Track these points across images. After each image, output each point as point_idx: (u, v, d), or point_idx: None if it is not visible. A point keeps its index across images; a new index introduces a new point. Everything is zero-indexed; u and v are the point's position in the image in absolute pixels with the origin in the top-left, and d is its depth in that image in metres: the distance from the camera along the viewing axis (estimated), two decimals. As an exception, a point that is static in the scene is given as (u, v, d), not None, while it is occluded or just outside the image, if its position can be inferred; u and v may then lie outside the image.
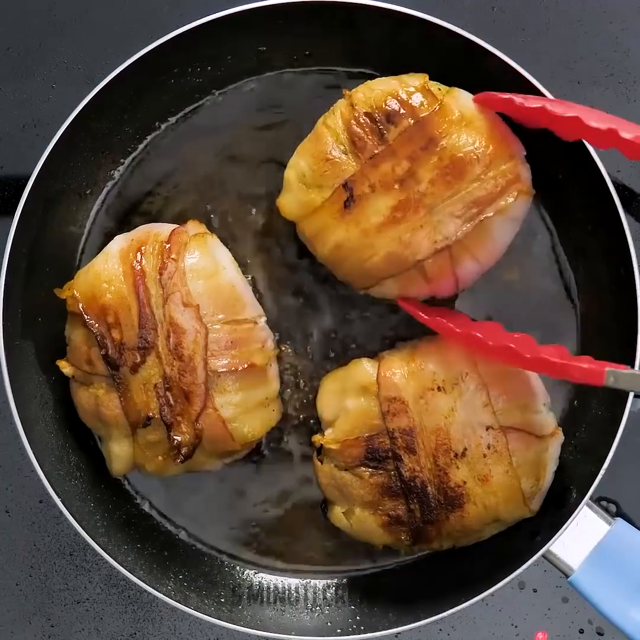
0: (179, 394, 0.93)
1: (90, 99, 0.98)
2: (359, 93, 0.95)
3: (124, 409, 0.94)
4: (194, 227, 0.98)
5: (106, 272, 0.94)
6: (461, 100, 0.95)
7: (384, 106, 0.94)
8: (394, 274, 0.95)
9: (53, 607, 1.11)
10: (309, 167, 0.95)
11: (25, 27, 1.12)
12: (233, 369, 0.94)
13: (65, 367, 0.97)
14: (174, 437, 0.93)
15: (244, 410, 0.96)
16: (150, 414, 0.94)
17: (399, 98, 0.94)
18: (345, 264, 0.97)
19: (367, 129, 0.94)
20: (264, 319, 0.98)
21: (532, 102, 0.90)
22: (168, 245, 0.94)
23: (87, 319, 0.94)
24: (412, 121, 0.93)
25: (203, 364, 0.93)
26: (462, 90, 0.96)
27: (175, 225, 0.97)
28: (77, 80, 1.11)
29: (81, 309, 0.94)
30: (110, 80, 0.98)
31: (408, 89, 0.94)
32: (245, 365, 0.95)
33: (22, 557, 1.11)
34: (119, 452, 0.97)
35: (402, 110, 0.94)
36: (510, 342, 0.89)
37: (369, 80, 0.96)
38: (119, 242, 0.97)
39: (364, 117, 0.94)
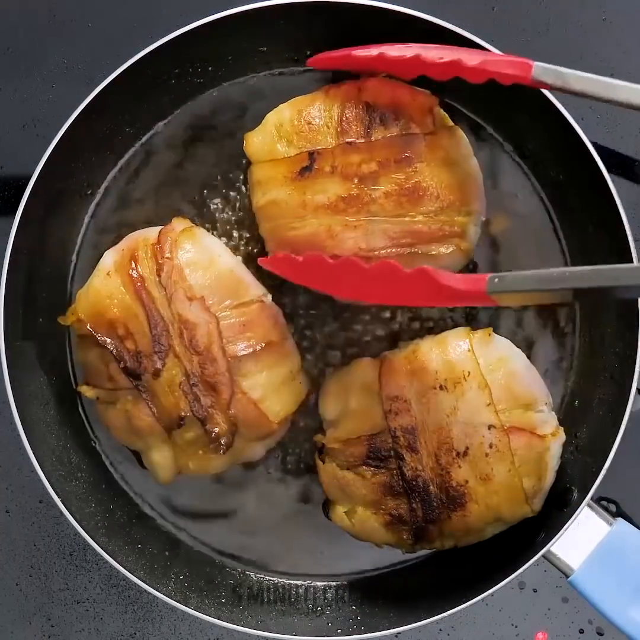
0: (205, 387, 0.93)
1: (91, 99, 0.98)
2: (370, 83, 0.96)
3: (156, 415, 0.95)
4: (179, 223, 0.98)
5: (106, 287, 0.95)
6: (455, 141, 0.96)
7: (384, 106, 0.94)
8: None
9: (53, 607, 1.11)
10: (290, 120, 0.96)
11: (26, 26, 1.11)
12: (252, 350, 0.94)
13: (87, 391, 0.98)
14: (211, 429, 0.94)
15: (272, 388, 0.96)
16: (182, 414, 0.94)
17: (401, 106, 0.94)
18: (271, 222, 0.97)
19: (358, 118, 0.94)
20: (269, 296, 0.98)
21: (368, 50, 0.94)
22: (159, 246, 0.95)
23: (99, 336, 0.94)
24: (402, 132, 0.94)
25: (222, 353, 0.93)
26: (463, 134, 0.97)
27: (160, 227, 0.97)
28: (77, 80, 1.10)
29: (90, 329, 0.94)
30: (110, 81, 0.98)
31: (413, 103, 0.95)
32: (263, 344, 0.95)
33: (22, 557, 1.11)
34: (161, 460, 0.98)
35: (398, 118, 0.94)
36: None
37: (385, 77, 0.97)
38: (110, 256, 0.97)
39: (363, 106, 0.95)
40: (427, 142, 0.94)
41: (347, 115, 0.95)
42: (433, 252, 0.95)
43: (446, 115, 0.98)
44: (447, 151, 0.95)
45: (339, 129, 0.95)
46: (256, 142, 0.98)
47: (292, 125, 0.96)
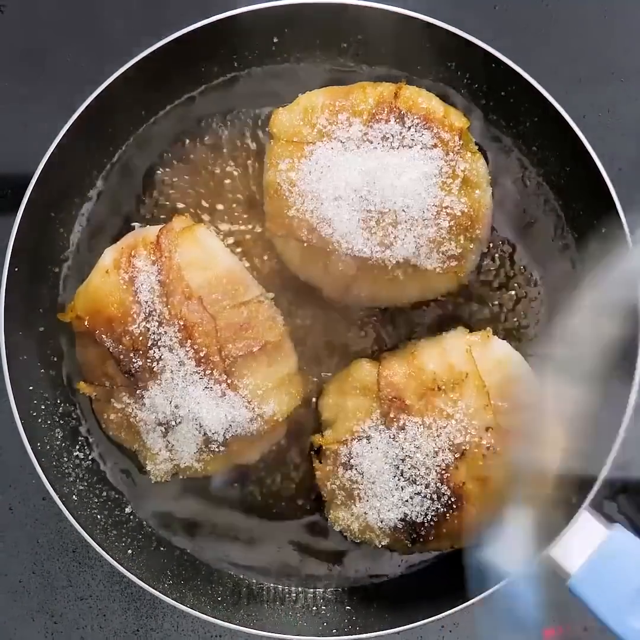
0: (202, 387, 0.94)
1: (93, 99, 0.98)
2: (408, 91, 0.95)
3: (151, 411, 0.95)
4: (180, 222, 0.98)
5: (105, 284, 0.95)
6: (476, 166, 0.95)
7: (416, 115, 0.94)
8: (307, 242, 0.95)
9: (56, 604, 1.12)
10: (321, 106, 0.95)
11: (28, 25, 1.12)
12: (249, 350, 0.94)
13: (85, 389, 0.98)
14: (205, 428, 0.94)
15: (267, 389, 0.96)
16: (179, 412, 0.94)
17: (433, 121, 0.93)
18: (277, 201, 0.96)
19: (387, 122, 0.93)
20: (268, 296, 0.98)
21: None
22: (158, 245, 0.95)
23: (96, 334, 0.94)
24: (427, 146, 0.93)
25: (218, 352, 0.93)
26: (484, 161, 0.97)
27: (160, 226, 0.97)
28: (80, 80, 1.10)
29: (88, 326, 0.95)
30: (113, 80, 0.99)
31: (445, 120, 0.94)
32: (261, 345, 0.95)
33: (26, 554, 1.12)
34: (156, 457, 0.98)
35: (426, 131, 0.93)
36: None
37: (423, 89, 0.97)
38: (110, 254, 0.97)
39: (395, 111, 0.93)
40: (448, 161, 0.93)
41: (377, 118, 0.93)
42: (428, 268, 0.94)
43: (473, 139, 0.97)
44: (465, 174, 0.94)
45: (369, 123, 0.94)
46: (283, 119, 0.96)
47: (321, 111, 0.95)
